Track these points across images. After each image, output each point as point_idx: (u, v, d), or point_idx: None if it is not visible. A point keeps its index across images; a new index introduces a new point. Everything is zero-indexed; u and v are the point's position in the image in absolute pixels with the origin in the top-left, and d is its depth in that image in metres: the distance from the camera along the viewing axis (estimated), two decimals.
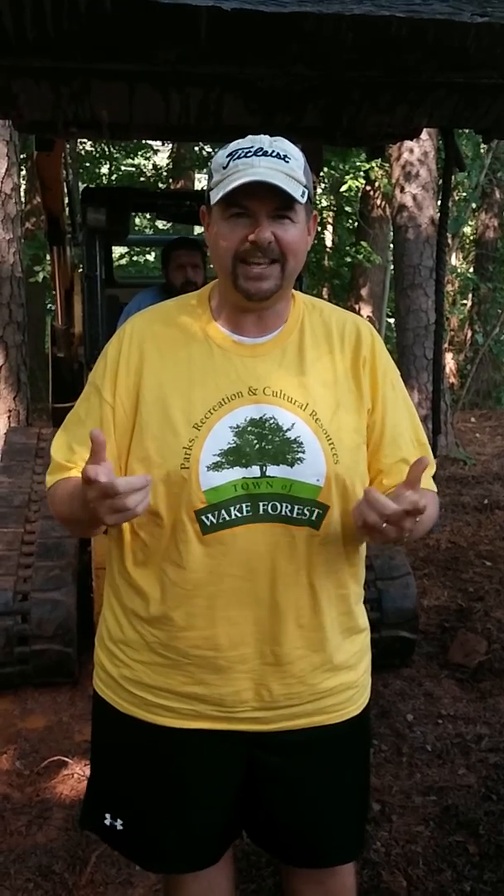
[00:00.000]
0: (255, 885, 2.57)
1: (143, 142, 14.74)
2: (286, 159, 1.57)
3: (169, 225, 13.94)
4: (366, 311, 14.15)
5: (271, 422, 1.63)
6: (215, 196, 1.58)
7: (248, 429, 1.62)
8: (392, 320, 13.25)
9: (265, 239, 1.56)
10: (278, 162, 1.55)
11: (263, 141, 1.59)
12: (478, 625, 4.40)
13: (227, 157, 1.58)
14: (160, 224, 15.52)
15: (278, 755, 1.77)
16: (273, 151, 1.57)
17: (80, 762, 3.22)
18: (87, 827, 1.93)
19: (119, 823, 1.82)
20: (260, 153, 1.56)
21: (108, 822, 1.84)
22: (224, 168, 1.57)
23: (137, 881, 2.60)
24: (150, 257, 17.71)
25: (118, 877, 2.62)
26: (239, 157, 1.56)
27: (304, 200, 1.59)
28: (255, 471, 1.62)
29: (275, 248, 1.58)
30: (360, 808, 1.95)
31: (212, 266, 1.85)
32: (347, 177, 12.26)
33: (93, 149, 14.93)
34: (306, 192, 1.60)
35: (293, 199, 1.56)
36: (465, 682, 3.93)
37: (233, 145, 1.60)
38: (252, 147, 1.57)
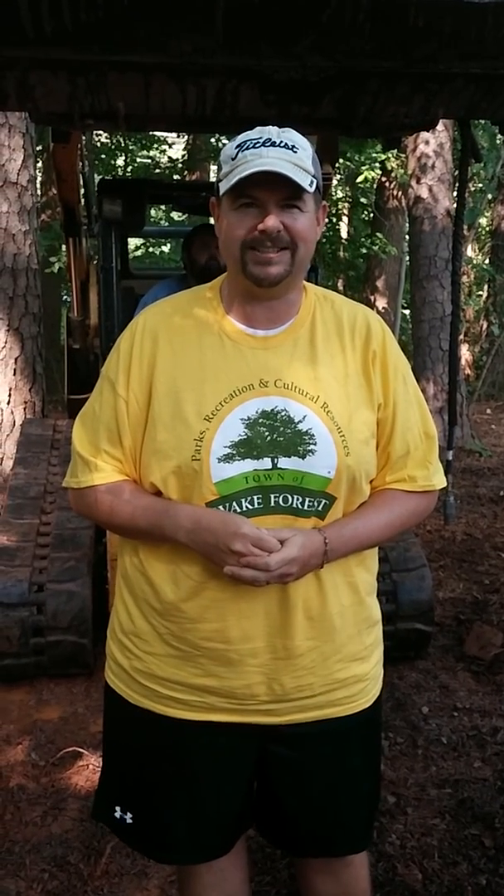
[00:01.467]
0: (269, 877, 2.57)
1: (158, 135, 14.76)
2: (294, 149, 1.57)
3: (184, 216, 13.94)
4: (381, 302, 14.12)
5: (283, 414, 1.63)
6: (224, 186, 1.59)
7: (260, 421, 1.63)
8: (407, 312, 13.21)
9: (274, 228, 1.57)
10: (286, 152, 1.56)
11: (272, 132, 1.60)
12: (493, 617, 4.40)
13: (236, 148, 1.59)
14: (175, 215, 15.50)
15: (289, 747, 1.77)
16: (281, 142, 1.58)
17: (96, 753, 3.23)
18: (98, 819, 1.95)
19: (129, 817, 1.83)
20: (268, 143, 1.57)
21: (118, 814, 1.85)
22: (233, 159, 1.58)
23: (152, 872, 2.61)
24: (166, 248, 17.72)
25: (133, 868, 2.63)
26: (248, 148, 1.57)
27: (312, 190, 1.60)
28: (266, 463, 1.62)
29: (284, 237, 1.59)
30: (370, 799, 1.95)
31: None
32: (363, 168, 12.22)
33: (109, 140, 14.93)
34: (315, 181, 1.61)
35: (301, 188, 1.56)
36: (480, 674, 3.92)
37: (241, 137, 1.61)
38: (260, 138, 1.58)
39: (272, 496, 1.63)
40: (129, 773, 1.85)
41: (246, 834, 1.98)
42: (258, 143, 1.57)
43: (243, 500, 1.63)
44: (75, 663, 3.81)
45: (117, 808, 1.85)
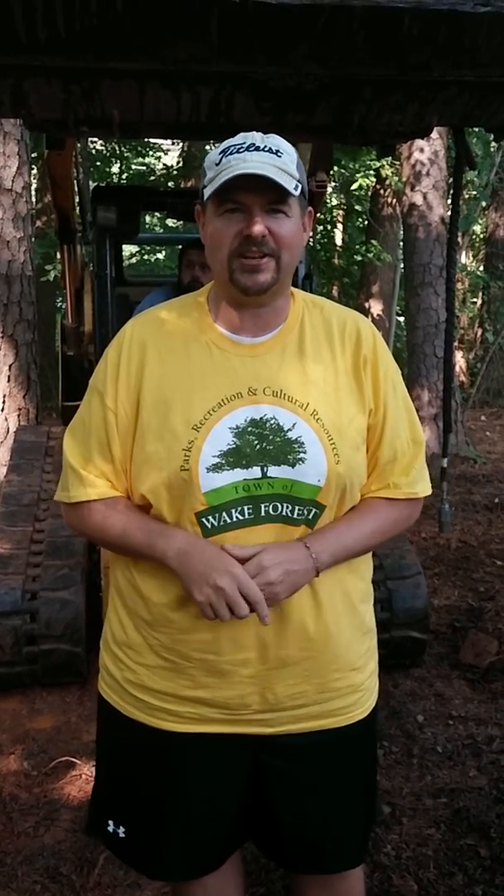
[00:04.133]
0: (264, 889, 2.56)
1: (153, 142, 14.78)
2: (278, 153, 1.57)
3: (179, 223, 13.93)
4: (376, 309, 14.13)
5: (272, 422, 1.62)
6: (209, 191, 1.59)
7: (249, 429, 1.61)
8: (402, 318, 13.23)
9: (259, 232, 1.56)
10: (271, 156, 1.56)
11: (255, 137, 1.60)
12: (489, 625, 4.39)
13: (220, 153, 1.58)
14: (170, 222, 15.51)
15: (283, 759, 1.75)
16: (265, 146, 1.57)
17: (89, 763, 3.21)
18: (91, 833, 1.93)
19: (122, 831, 1.82)
20: (252, 148, 1.57)
21: (111, 828, 1.83)
22: (217, 164, 1.58)
23: (145, 884, 2.59)
24: (161, 256, 17.72)
25: (126, 879, 2.61)
26: (231, 154, 1.56)
27: (297, 193, 1.59)
28: (255, 472, 1.61)
29: (269, 242, 1.58)
30: (366, 814, 1.93)
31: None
32: (358, 175, 12.24)
33: (103, 147, 14.94)
34: (300, 185, 1.60)
35: (286, 191, 1.56)
36: (476, 682, 3.91)
37: (225, 143, 1.61)
38: (244, 143, 1.58)
39: (262, 506, 1.62)
40: (121, 787, 1.83)
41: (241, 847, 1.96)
42: (242, 147, 1.57)
43: (234, 511, 1.61)
44: (69, 672, 3.79)
45: (110, 822, 1.83)
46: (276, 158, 1.56)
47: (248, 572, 1.55)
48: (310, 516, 1.64)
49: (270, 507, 1.62)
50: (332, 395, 1.67)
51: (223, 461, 1.60)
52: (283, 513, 1.63)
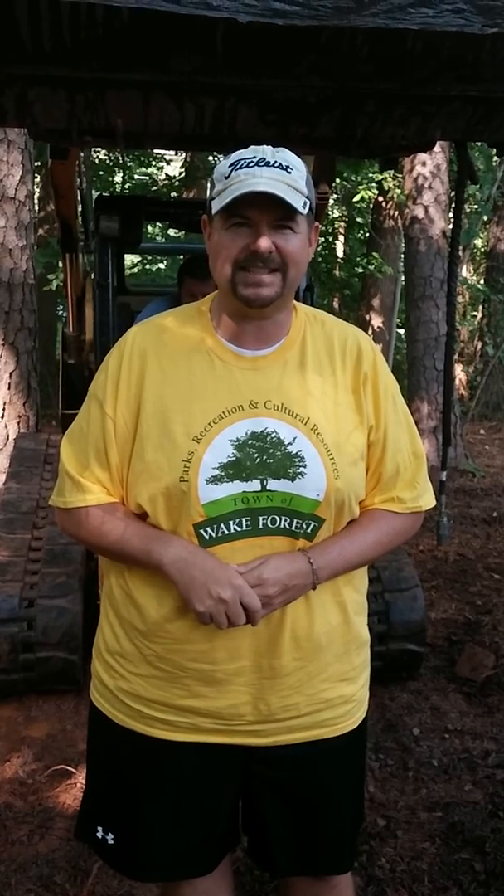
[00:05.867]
0: None
1: (156, 153, 14.81)
2: (288, 170, 1.57)
3: (181, 233, 13.97)
4: (376, 321, 14.15)
5: (272, 436, 1.62)
6: (217, 205, 1.59)
7: (249, 442, 1.62)
8: (402, 331, 13.24)
9: (266, 248, 1.56)
10: (280, 172, 1.55)
11: (266, 151, 1.59)
12: (486, 638, 4.38)
13: (230, 166, 1.58)
14: (172, 232, 15.54)
15: (274, 769, 1.76)
16: (275, 162, 1.57)
17: (84, 771, 3.19)
18: (81, 839, 1.93)
19: (110, 837, 1.81)
20: (262, 163, 1.56)
21: (100, 835, 1.83)
22: (226, 178, 1.57)
23: (139, 893, 2.59)
24: (163, 266, 17.74)
25: (119, 889, 2.60)
26: (241, 168, 1.56)
27: (305, 211, 1.59)
28: (255, 485, 1.61)
29: (276, 258, 1.58)
30: (353, 821, 1.94)
31: None
32: (360, 187, 12.27)
33: (106, 157, 14.98)
34: (308, 202, 1.60)
35: (295, 209, 1.56)
36: (472, 696, 3.90)
37: (235, 155, 1.59)
38: (254, 157, 1.57)
39: (261, 518, 1.62)
40: (111, 793, 1.83)
41: (233, 855, 1.96)
42: (252, 162, 1.56)
43: (231, 523, 1.61)
44: (65, 680, 3.78)
45: (99, 829, 1.83)
46: (285, 175, 1.55)
47: (248, 583, 1.56)
48: (309, 529, 1.65)
49: (269, 520, 1.62)
50: (331, 411, 1.67)
51: (223, 473, 1.60)
52: (282, 525, 1.63)
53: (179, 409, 1.63)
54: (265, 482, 1.61)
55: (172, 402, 1.64)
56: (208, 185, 1.67)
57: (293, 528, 1.64)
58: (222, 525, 1.61)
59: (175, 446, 1.60)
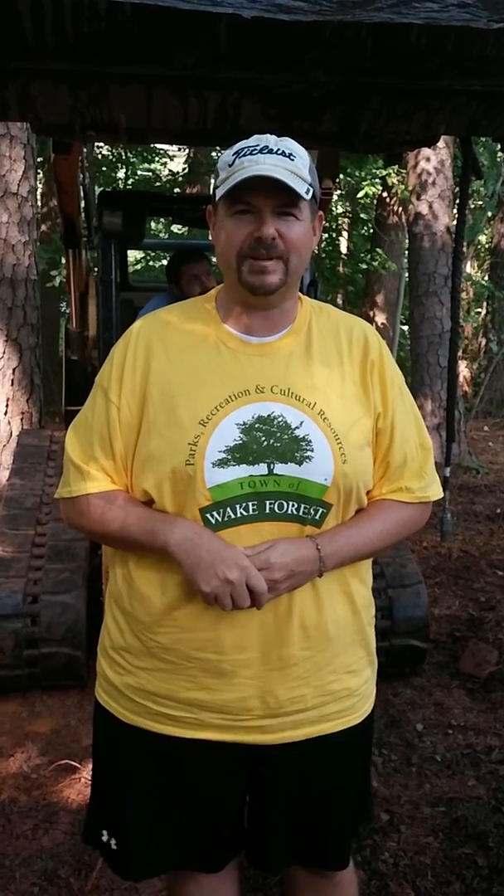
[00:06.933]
0: (262, 894, 2.55)
1: (159, 148, 14.80)
2: (291, 157, 1.58)
3: (184, 229, 13.96)
4: (380, 318, 14.14)
5: (279, 419, 1.63)
6: (221, 192, 1.60)
7: (256, 426, 1.62)
8: (406, 328, 13.22)
9: (269, 235, 1.57)
10: (283, 159, 1.57)
11: (269, 140, 1.60)
12: (489, 635, 4.39)
13: (233, 155, 1.59)
14: (175, 228, 15.54)
15: (280, 767, 1.76)
16: (279, 149, 1.58)
17: (88, 766, 3.20)
18: (87, 842, 1.93)
19: (114, 843, 1.81)
20: (265, 151, 1.57)
21: (104, 839, 1.83)
22: (230, 166, 1.58)
23: (143, 888, 2.59)
24: (166, 262, 17.74)
25: (123, 883, 2.60)
26: (244, 155, 1.57)
27: (308, 197, 1.60)
28: (261, 468, 1.61)
29: (279, 245, 1.59)
30: (353, 818, 1.93)
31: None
32: (364, 183, 12.27)
33: (109, 153, 14.98)
34: (311, 189, 1.61)
35: (298, 195, 1.57)
36: (475, 692, 3.91)
37: (239, 144, 1.61)
38: (258, 145, 1.59)
39: (268, 502, 1.62)
40: (117, 797, 1.82)
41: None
42: (255, 150, 1.57)
43: (238, 507, 1.61)
44: (69, 675, 3.79)
45: (104, 832, 1.83)
46: (288, 162, 1.56)
47: (254, 566, 1.55)
48: (317, 516, 1.64)
49: (276, 504, 1.62)
50: (338, 397, 1.68)
51: (229, 457, 1.60)
52: (290, 511, 1.63)
53: (186, 394, 1.63)
54: (272, 465, 1.61)
55: (179, 388, 1.64)
56: (213, 176, 1.68)
57: (301, 514, 1.63)
58: (228, 509, 1.61)
59: (181, 430, 1.61)
